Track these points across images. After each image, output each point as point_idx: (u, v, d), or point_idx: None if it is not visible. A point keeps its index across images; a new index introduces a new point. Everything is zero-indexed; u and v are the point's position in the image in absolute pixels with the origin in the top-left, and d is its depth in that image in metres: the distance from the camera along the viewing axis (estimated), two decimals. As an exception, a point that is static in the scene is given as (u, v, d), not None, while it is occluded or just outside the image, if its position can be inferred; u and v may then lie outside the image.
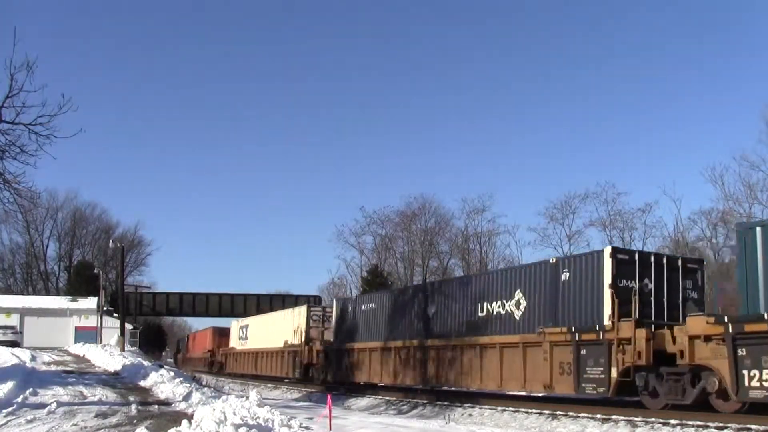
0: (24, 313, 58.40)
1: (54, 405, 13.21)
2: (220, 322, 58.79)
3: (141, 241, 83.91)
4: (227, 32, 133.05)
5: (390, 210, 67.80)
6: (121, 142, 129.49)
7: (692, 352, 14.70)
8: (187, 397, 14.95)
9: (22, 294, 71.52)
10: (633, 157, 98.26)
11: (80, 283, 67.70)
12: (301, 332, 32.59)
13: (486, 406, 19.37)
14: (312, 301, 64.68)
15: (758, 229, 14.00)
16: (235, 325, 48.02)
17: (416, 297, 24.85)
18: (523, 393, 20.41)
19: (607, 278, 16.69)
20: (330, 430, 12.37)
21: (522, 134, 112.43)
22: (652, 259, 17.58)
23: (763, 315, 13.25)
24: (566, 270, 18.02)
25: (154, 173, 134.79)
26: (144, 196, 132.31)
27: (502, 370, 19.61)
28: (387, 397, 24.57)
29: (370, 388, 27.23)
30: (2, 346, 36.66)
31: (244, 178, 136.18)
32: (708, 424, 13.36)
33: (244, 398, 12.08)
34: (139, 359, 30.78)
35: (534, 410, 17.72)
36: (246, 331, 44.11)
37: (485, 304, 20.72)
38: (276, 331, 36.66)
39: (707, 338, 14.43)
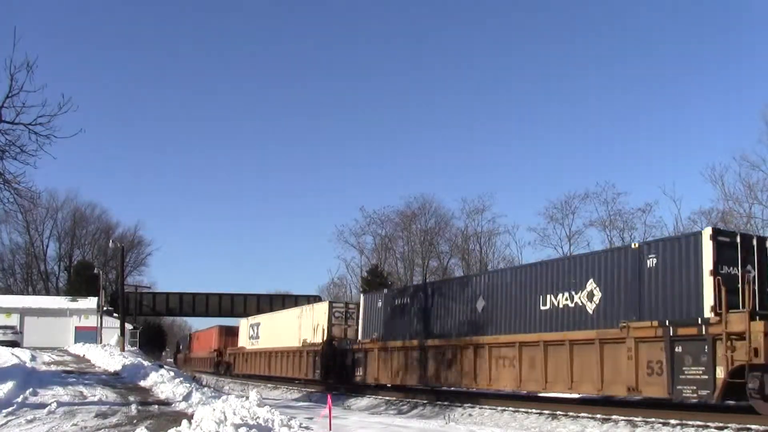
0: (24, 313, 58.38)
1: (54, 405, 13.21)
2: (220, 322, 58.71)
3: (141, 241, 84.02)
4: (227, 32, 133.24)
5: (390, 210, 67.92)
6: (121, 142, 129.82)
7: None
8: (187, 397, 14.96)
9: (22, 294, 71.51)
10: (633, 157, 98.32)
11: (80, 283, 67.67)
12: (323, 330, 30.50)
13: (486, 406, 19.38)
14: (312, 300, 64.84)
15: None
16: (244, 323, 45.92)
17: (460, 290, 22.50)
18: (597, 396, 18.16)
19: (708, 264, 14.61)
20: (330, 430, 12.37)
21: (522, 134, 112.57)
22: (755, 242, 15.47)
23: None
24: (653, 255, 15.81)
25: (154, 173, 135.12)
26: (144, 196, 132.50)
27: (572, 371, 17.21)
28: (387, 397, 24.57)
29: (370, 388, 27.16)
30: (2, 346, 36.64)
31: (244, 178, 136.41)
32: (708, 424, 13.35)
33: (244, 398, 12.08)
34: (139, 359, 30.77)
35: (534, 410, 17.71)
36: (257, 329, 42.04)
37: (548, 296, 18.47)
38: (293, 329, 34.70)
39: None
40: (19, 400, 14.21)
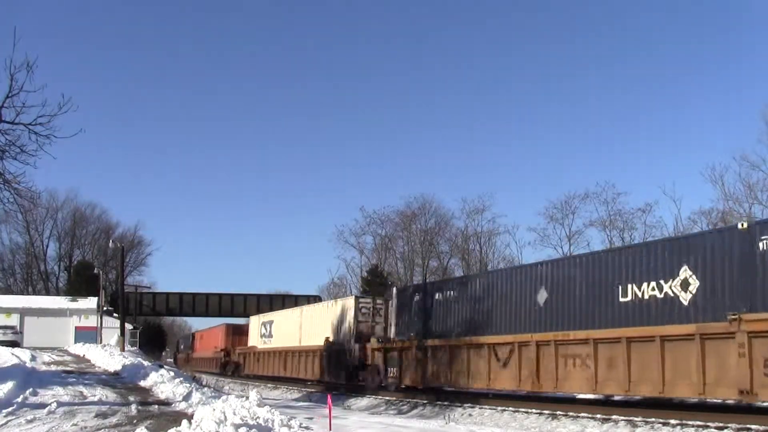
0: (24, 313, 58.40)
1: (54, 405, 13.21)
2: (220, 321, 58.64)
3: (141, 241, 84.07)
4: (227, 32, 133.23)
5: (390, 210, 67.86)
6: (121, 142, 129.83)
7: None
8: (187, 397, 14.95)
9: (22, 294, 71.53)
10: (633, 157, 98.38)
11: (80, 283, 67.72)
12: (350, 328, 28.07)
13: (486, 406, 19.37)
14: (312, 301, 64.88)
15: None
16: (255, 321, 43.45)
17: (516, 282, 20.24)
18: (696, 400, 16.12)
19: None
20: (330, 430, 12.36)
21: (522, 134, 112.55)
22: None
23: None
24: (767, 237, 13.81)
25: (154, 173, 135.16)
26: (144, 196, 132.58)
27: (665, 371, 15.14)
28: (387, 397, 24.56)
29: (369, 389, 27.12)
30: (2, 346, 36.63)
31: (244, 178, 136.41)
32: (708, 424, 13.35)
33: (244, 398, 12.08)
34: (139, 359, 30.76)
35: (534, 410, 17.70)
36: (270, 327, 39.68)
37: (629, 286, 16.26)
38: (312, 327, 32.44)
39: None
40: (19, 400, 14.21)
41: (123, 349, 36.77)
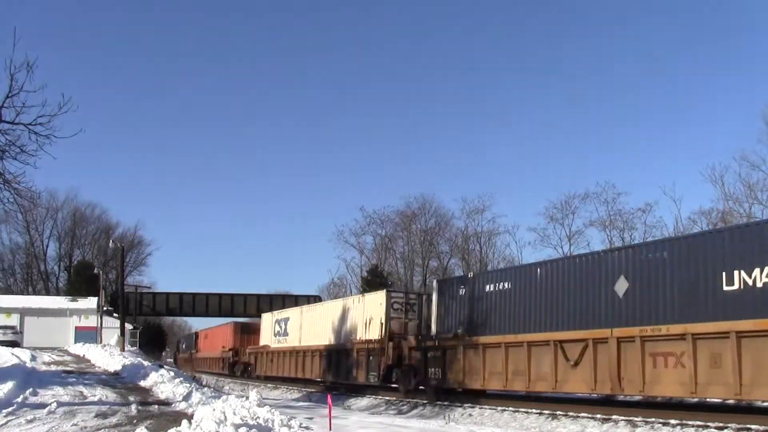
0: (24, 313, 58.40)
1: (54, 405, 13.21)
2: (220, 321, 58.60)
3: (141, 241, 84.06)
4: (227, 33, 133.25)
5: (390, 210, 67.97)
6: (121, 142, 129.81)
7: None
8: (187, 397, 14.96)
9: (22, 294, 71.53)
10: (633, 157, 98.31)
11: (80, 283, 67.72)
12: (381, 324, 25.41)
13: (486, 406, 19.36)
14: (312, 300, 64.87)
15: None
16: (267, 318, 40.43)
17: (587, 270, 17.75)
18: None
19: None
20: (330, 430, 12.36)
21: (522, 134, 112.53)
22: None
23: None
24: None
25: (154, 173, 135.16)
26: (144, 196, 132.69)
27: None
28: (387, 397, 24.56)
29: (370, 388, 27.09)
30: (2, 346, 36.65)
31: (244, 179, 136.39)
32: (708, 424, 13.35)
33: (244, 398, 12.09)
34: (139, 359, 30.77)
35: (534, 410, 17.70)
36: (285, 325, 36.76)
37: (736, 272, 14.05)
38: (336, 324, 30.19)
39: None
40: (19, 400, 14.22)
41: (123, 349, 36.78)
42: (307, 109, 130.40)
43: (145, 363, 27.56)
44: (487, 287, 21.08)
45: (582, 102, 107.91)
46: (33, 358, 30.28)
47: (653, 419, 14.45)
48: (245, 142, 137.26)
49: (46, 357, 34.10)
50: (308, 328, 33.40)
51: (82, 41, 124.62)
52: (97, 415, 12.31)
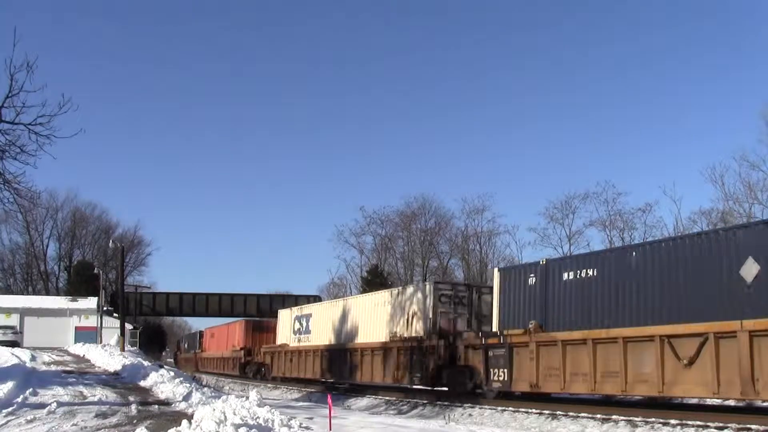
0: (24, 313, 58.41)
1: (54, 405, 13.22)
2: (220, 322, 58.52)
3: (141, 241, 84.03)
4: (227, 33, 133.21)
5: (390, 210, 68.01)
6: (121, 142, 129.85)
7: None
8: (187, 397, 14.97)
9: (22, 294, 71.53)
10: (633, 157, 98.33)
11: (80, 283, 67.71)
12: (429, 320, 23.20)
13: (486, 406, 19.34)
14: (312, 300, 64.80)
15: None
16: (286, 316, 37.25)
17: (700, 253, 15.10)
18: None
19: None
20: (330, 430, 12.36)
21: (522, 134, 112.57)
22: None
23: None
24: None
25: (154, 173, 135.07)
26: (144, 196, 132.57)
27: None
28: (387, 397, 24.54)
29: (370, 388, 27.07)
30: (2, 346, 36.68)
31: (244, 179, 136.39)
32: (708, 424, 13.34)
33: (244, 398, 12.11)
34: (139, 359, 30.77)
35: (534, 410, 17.69)
36: (306, 322, 33.88)
37: None
38: (372, 320, 27.42)
39: None
40: (19, 400, 14.22)
41: (123, 349, 36.79)
42: (307, 109, 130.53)
43: (145, 363, 27.57)
44: (565, 275, 18.36)
45: (582, 102, 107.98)
46: (33, 358, 30.29)
47: (653, 419, 14.45)
48: (245, 142, 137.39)
49: (46, 357, 34.10)
50: (335, 324, 30.65)
51: (82, 41, 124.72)
52: (97, 415, 12.31)
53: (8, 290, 74.20)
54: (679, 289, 15.31)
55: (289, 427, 10.23)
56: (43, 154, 14.51)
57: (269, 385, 36.41)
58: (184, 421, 9.85)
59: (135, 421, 11.38)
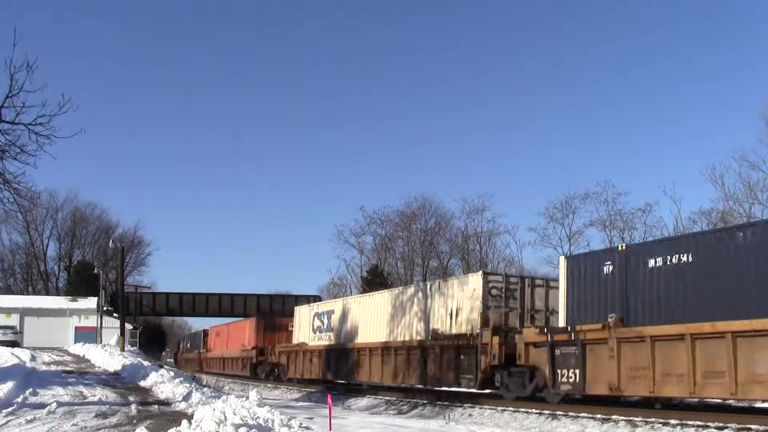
0: (24, 313, 58.44)
1: (54, 405, 13.22)
2: (219, 322, 58.51)
3: (141, 241, 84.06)
4: (227, 32, 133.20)
5: (390, 210, 68.01)
6: (121, 142, 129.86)
7: None
8: (187, 397, 14.97)
9: (22, 294, 71.56)
10: (633, 157, 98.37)
11: (80, 283, 67.73)
12: (479, 315, 20.82)
13: (486, 406, 19.34)
14: (312, 300, 64.72)
15: None
16: (304, 313, 34.54)
17: None
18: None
19: None
20: (330, 430, 12.36)
21: (522, 134, 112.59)
22: None
23: None
24: None
25: (154, 173, 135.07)
26: (144, 196, 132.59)
27: None
28: (387, 397, 24.51)
29: (370, 388, 27.02)
30: (2, 346, 36.70)
31: (244, 179, 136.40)
32: (708, 424, 13.34)
33: (244, 398, 12.11)
34: (139, 359, 30.78)
35: (534, 410, 17.69)
36: (328, 319, 31.59)
37: None
38: (407, 315, 25.04)
39: None
40: (19, 400, 14.23)
41: (123, 349, 36.80)
42: (307, 109, 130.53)
43: (145, 363, 27.58)
44: (651, 262, 16.24)
45: (582, 102, 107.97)
46: (33, 358, 30.31)
47: (653, 419, 14.44)
48: (245, 142, 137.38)
49: (46, 357, 34.11)
50: (365, 321, 28.19)
51: (82, 41, 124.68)
52: (97, 415, 12.32)
53: (8, 290, 74.23)
54: None
55: (289, 427, 10.23)
56: (43, 154, 14.52)
57: (269, 385, 36.33)
58: (184, 421, 9.85)
59: (135, 421, 11.38)
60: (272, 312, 54.65)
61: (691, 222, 49.36)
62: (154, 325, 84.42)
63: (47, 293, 74.32)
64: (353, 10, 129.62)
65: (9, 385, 15.68)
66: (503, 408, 18.63)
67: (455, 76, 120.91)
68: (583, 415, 16.19)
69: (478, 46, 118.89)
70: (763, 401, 14.61)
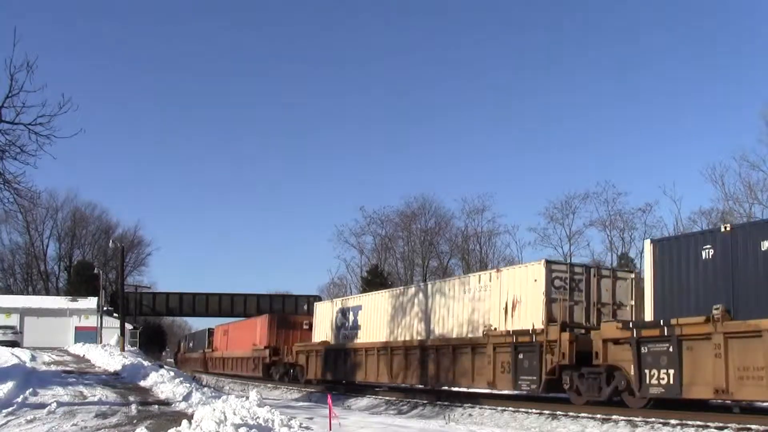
0: (24, 313, 58.45)
1: (54, 405, 13.22)
2: (219, 322, 58.45)
3: (141, 241, 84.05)
4: (227, 32, 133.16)
5: (390, 210, 68.02)
6: (121, 143, 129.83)
7: None
8: (187, 397, 14.97)
9: (22, 294, 71.56)
10: (633, 157, 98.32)
11: (80, 283, 67.76)
12: (542, 308, 18.65)
13: (486, 406, 19.34)
14: (312, 301, 64.68)
15: None
16: (326, 309, 32.31)
17: None
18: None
19: None
20: (330, 430, 12.35)
21: (522, 134, 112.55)
22: None
23: None
24: None
25: (155, 173, 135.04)
26: (144, 196, 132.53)
27: None
28: (387, 397, 24.50)
29: (370, 388, 26.98)
30: (2, 346, 36.71)
31: (244, 179, 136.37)
32: (708, 424, 13.35)
33: (244, 398, 12.11)
34: (139, 359, 30.79)
35: (534, 410, 17.69)
36: (354, 316, 29.10)
37: None
38: (442, 311, 22.93)
39: None
40: (19, 400, 14.23)
41: (123, 349, 36.81)
42: (308, 109, 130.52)
43: (145, 363, 27.58)
44: (765, 243, 14.17)
45: (582, 102, 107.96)
46: (33, 358, 30.32)
47: (653, 419, 14.45)
48: (245, 141, 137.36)
49: (46, 357, 34.12)
50: (393, 318, 26.07)
51: (82, 41, 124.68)
52: (97, 415, 12.32)
53: (8, 290, 74.24)
54: None
55: (289, 427, 10.24)
56: (43, 154, 14.54)
57: (269, 385, 36.25)
58: (184, 421, 9.86)
59: (135, 421, 11.38)
60: (272, 311, 54.50)
61: (691, 222, 49.39)
62: (154, 325, 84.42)
63: (47, 293, 74.32)
64: (353, 10, 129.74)
65: (9, 385, 15.68)
66: (503, 408, 18.62)
67: (455, 76, 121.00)
68: (583, 415, 16.20)
69: (478, 46, 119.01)
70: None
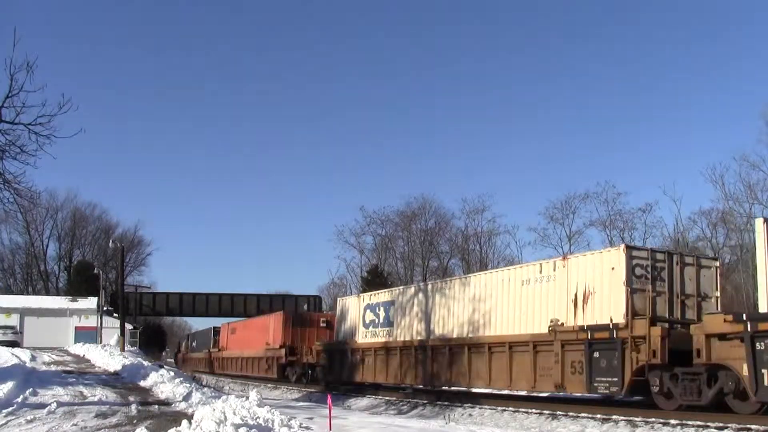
0: (24, 313, 58.41)
1: (54, 405, 13.22)
2: (219, 322, 58.33)
3: (141, 241, 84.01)
4: (227, 32, 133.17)
5: (390, 210, 67.98)
6: (122, 142, 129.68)
7: None
8: (187, 397, 14.97)
9: (22, 294, 71.56)
10: (633, 157, 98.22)
11: (80, 283, 67.71)
12: (624, 300, 16.27)
13: (486, 406, 19.34)
14: (312, 301, 64.55)
15: None
16: (352, 303, 29.42)
17: None
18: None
19: None
20: (330, 430, 12.36)
21: (522, 134, 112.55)
22: None
23: None
24: None
25: (154, 173, 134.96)
26: (144, 196, 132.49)
27: None
28: (387, 397, 24.50)
29: (370, 388, 26.96)
30: (2, 346, 36.70)
31: (244, 179, 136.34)
32: (708, 424, 13.35)
33: (244, 398, 12.11)
34: (139, 359, 30.79)
35: (534, 410, 17.69)
36: (386, 311, 26.37)
37: None
38: (499, 304, 20.20)
39: None
40: (19, 400, 14.23)
41: (123, 349, 36.80)
42: (308, 109, 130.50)
43: (145, 363, 27.58)
44: None
45: (582, 102, 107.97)
46: (33, 358, 30.31)
47: (653, 419, 14.45)
48: (245, 141, 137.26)
49: (46, 357, 34.11)
50: (433, 313, 23.48)
51: (83, 40, 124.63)
52: (97, 415, 12.32)
53: (8, 290, 74.22)
54: None
55: (289, 427, 10.24)
56: (43, 154, 14.53)
57: (269, 385, 36.14)
58: (184, 421, 9.86)
59: (135, 421, 11.38)
60: (273, 311, 54.28)
61: (691, 222, 49.39)
62: (154, 325, 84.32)
63: (47, 293, 74.30)
64: (353, 11, 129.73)
65: (9, 385, 15.68)
66: (503, 408, 18.63)
67: (455, 75, 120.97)
68: (583, 415, 16.20)
69: (478, 46, 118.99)
70: None
